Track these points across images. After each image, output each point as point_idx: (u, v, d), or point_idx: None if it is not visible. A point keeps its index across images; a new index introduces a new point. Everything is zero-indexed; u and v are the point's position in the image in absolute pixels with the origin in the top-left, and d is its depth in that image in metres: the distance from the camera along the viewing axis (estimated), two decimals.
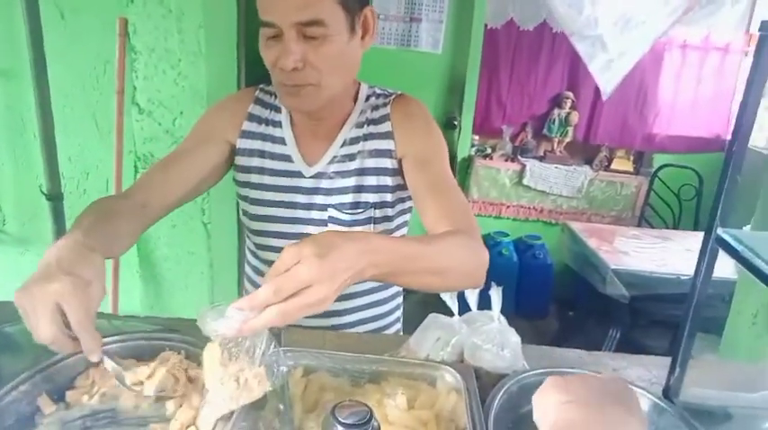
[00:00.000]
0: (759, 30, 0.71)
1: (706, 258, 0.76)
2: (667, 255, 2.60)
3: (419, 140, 1.06)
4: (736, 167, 0.75)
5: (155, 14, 1.80)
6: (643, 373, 1.00)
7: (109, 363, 0.74)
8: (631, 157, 3.57)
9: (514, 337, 0.93)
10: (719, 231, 0.73)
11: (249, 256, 1.23)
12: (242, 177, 1.13)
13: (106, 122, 2.03)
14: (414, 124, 1.07)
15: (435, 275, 0.80)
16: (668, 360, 0.91)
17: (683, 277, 2.39)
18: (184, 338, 0.87)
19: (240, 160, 1.12)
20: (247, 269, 1.25)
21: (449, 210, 0.94)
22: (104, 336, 0.88)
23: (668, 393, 0.86)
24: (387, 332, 1.23)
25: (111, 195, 1.01)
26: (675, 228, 3.27)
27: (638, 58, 0.82)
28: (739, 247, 0.69)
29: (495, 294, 0.96)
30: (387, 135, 1.07)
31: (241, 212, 1.19)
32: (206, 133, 1.11)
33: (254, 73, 2.16)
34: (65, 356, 0.82)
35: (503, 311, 0.95)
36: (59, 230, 2.03)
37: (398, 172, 1.07)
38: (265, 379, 0.69)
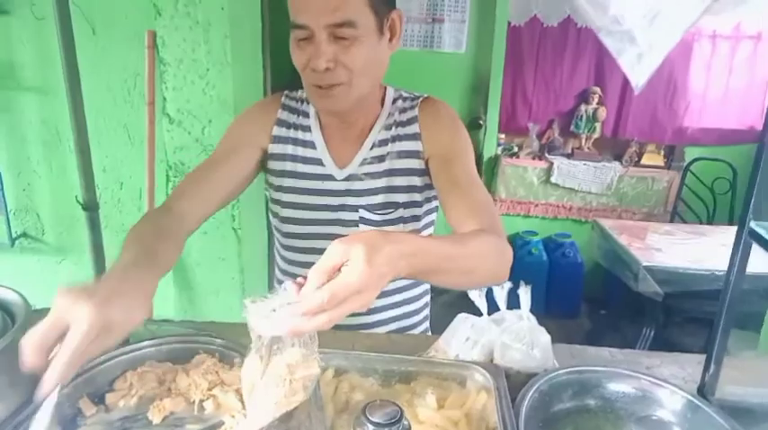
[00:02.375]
0: None
1: (739, 252, 0.75)
2: (702, 250, 2.54)
3: (445, 140, 1.07)
4: None
5: (182, 26, 1.84)
6: (677, 371, 0.99)
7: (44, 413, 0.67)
8: (662, 152, 3.51)
9: (544, 336, 0.93)
10: (753, 224, 0.72)
11: (278, 259, 1.26)
12: (275, 181, 1.16)
13: (138, 133, 2.08)
14: (440, 125, 1.09)
15: (465, 274, 0.80)
16: (702, 357, 0.89)
17: (718, 273, 2.33)
18: (218, 341, 0.89)
19: (273, 164, 1.15)
20: (277, 272, 1.27)
21: (474, 208, 0.95)
22: (141, 340, 0.91)
23: (703, 390, 0.85)
24: (414, 331, 1.24)
25: (154, 210, 1.03)
26: (710, 222, 3.20)
27: (668, 49, 0.81)
28: None
29: (524, 293, 0.96)
30: (415, 137, 1.09)
31: (271, 215, 1.21)
32: (237, 141, 1.13)
33: (280, 80, 2.19)
34: (104, 360, 0.84)
35: (532, 312, 0.95)
36: (96, 240, 2.09)
37: (426, 172, 1.09)
38: (314, 371, 0.69)
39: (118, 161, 2.14)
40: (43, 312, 1.07)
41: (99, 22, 2.04)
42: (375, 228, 1.10)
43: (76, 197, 2.03)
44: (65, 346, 0.61)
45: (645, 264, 2.39)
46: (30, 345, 0.62)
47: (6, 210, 2.22)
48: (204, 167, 1.09)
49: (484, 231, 0.87)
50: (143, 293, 0.72)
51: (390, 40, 1.02)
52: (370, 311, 1.16)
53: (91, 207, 2.03)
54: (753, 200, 0.73)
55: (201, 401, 0.80)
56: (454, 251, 0.78)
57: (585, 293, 3.49)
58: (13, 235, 2.24)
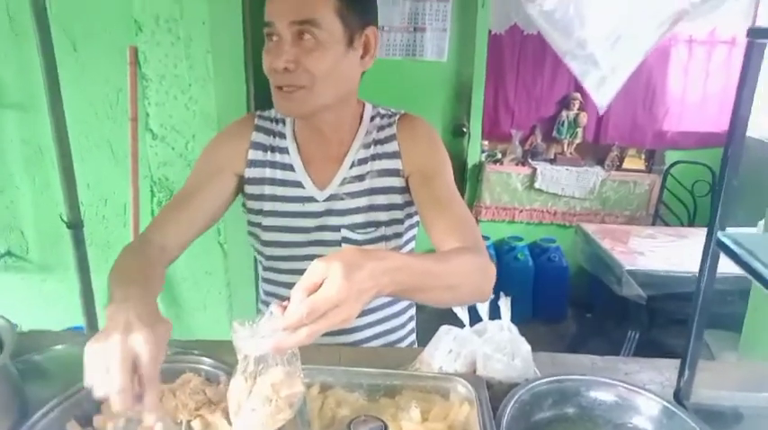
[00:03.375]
0: (747, 36, 0.73)
1: (708, 262, 0.77)
2: (683, 253, 2.58)
3: (424, 157, 1.08)
4: (732, 170, 0.76)
5: (163, 42, 1.85)
6: (655, 376, 1.01)
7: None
8: (643, 156, 3.56)
9: (525, 346, 0.95)
10: (719, 235, 0.74)
11: (263, 282, 1.25)
12: (254, 205, 1.15)
13: (121, 149, 2.08)
14: (418, 142, 1.10)
15: (448, 291, 0.82)
16: (679, 362, 0.92)
17: None
18: (204, 360, 0.90)
19: (250, 189, 1.13)
20: (262, 294, 1.27)
21: (455, 226, 0.96)
22: None
23: (679, 396, 0.87)
24: (401, 345, 1.25)
25: (134, 243, 1.04)
26: (691, 225, 3.25)
27: (630, 71, 0.83)
28: (739, 251, 0.70)
29: (505, 304, 0.98)
30: (394, 155, 1.10)
31: (251, 238, 1.20)
32: (212, 168, 1.12)
33: (262, 94, 2.20)
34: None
35: (519, 315, 0.97)
36: (81, 257, 2.08)
37: (406, 190, 1.10)
38: (298, 389, 0.70)
39: (102, 177, 2.14)
40: (34, 335, 1.08)
41: (79, 37, 2.04)
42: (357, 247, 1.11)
43: (60, 215, 2.03)
44: (147, 374, 0.67)
45: (628, 267, 2.43)
46: (126, 394, 0.66)
47: None
48: (180, 197, 1.09)
49: (466, 248, 0.88)
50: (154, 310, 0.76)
51: (363, 56, 1.03)
52: (355, 329, 1.17)
53: (75, 224, 2.03)
54: (719, 210, 0.76)
55: (189, 421, 0.80)
56: (437, 268, 0.79)
57: (571, 297, 3.53)
58: None
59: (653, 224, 3.36)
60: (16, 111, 2.11)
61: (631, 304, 2.51)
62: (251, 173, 1.13)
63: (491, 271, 0.88)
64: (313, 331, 0.64)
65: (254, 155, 1.13)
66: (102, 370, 0.65)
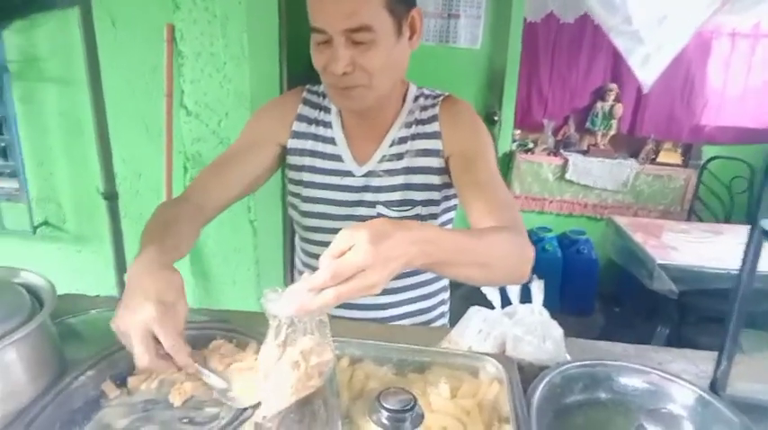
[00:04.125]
0: None
1: (751, 251, 0.75)
2: (718, 249, 2.52)
3: (466, 139, 1.08)
4: None
5: (200, 20, 1.86)
6: (689, 367, 0.99)
7: (207, 376, 0.79)
8: (679, 150, 3.48)
9: (557, 330, 0.94)
10: (764, 223, 0.72)
11: (299, 252, 1.28)
12: (294, 176, 1.17)
13: (156, 125, 2.11)
14: (460, 124, 1.09)
15: (481, 268, 0.81)
16: (714, 354, 0.90)
17: (734, 272, 2.29)
18: (234, 328, 0.92)
19: (292, 159, 1.16)
20: (298, 263, 1.29)
21: (494, 207, 0.95)
22: None
23: (715, 386, 0.85)
24: (432, 326, 1.25)
25: (170, 200, 1.07)
26: (727, 221, 3.17)
27: (677, 50, 0.81)
28: None
29: (537, 287, 0.97)
30: (434, 135, 1.09)
31: (290, 209, 1.23)
32: (257, 135, 1.15)
33: (296, 74, 2.21)
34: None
35: (546, 307, 0.96)
36: (115, 228, 2.13)
37: (445, 170, 1.10)
38: (327, 357, 0.71)
39: (136, 152, 2.17)
40: (70, 298, 1.11)
41: (119, 15, 2.06)
42: None
43: (97, 187, 2.07)
44: (167, 346, 0.74)
45: (660, 261, 2.38)
46: (157, 366, 0.76)
47: (29, 199, 2.27)
48: (222, 160, 1.12)
49: (504, 228, 0.87)
50: (172, 272, 0.81)
51: (410, 37, 1.02)
52: (386, 306, 1.18)
53: (111, 196, 2.07)
54: (764, 198, 0.74)
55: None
56: (469, 243, 0.78)
57: (600, 290, 3.49)
58: (35, 223, 2.28)
59: (688, 219, 3.30)
60: (57, 85, 2.15)
61: (661, 299, 2.46)
62: (294, 143, 1.15)
63: (529, 252, 0.87)
64: (338, 294, 0.64)
65: (299, 126, 1.15)
66: (130, 347, 0.74)
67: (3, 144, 2.18)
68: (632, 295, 3.07)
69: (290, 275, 2.30)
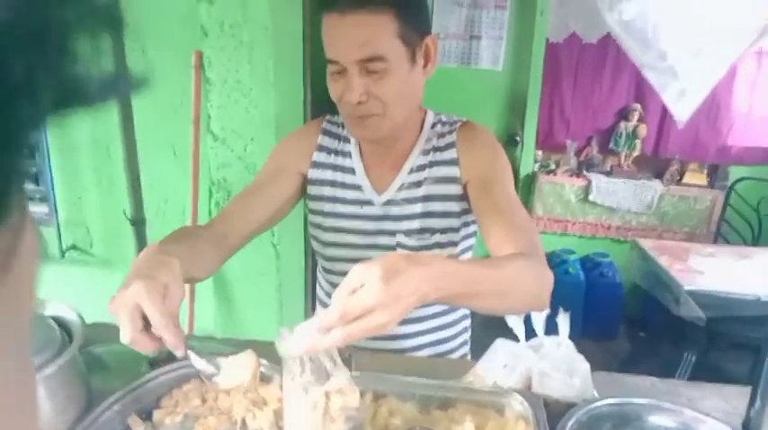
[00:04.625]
0: None
1: None
2: (746, 273, 2.47)
3: (483, 164, 1.08)
4: None
5: (227, 47, 1.90)
6: (720, 404, 0.97)
7: (196, 360, 0.77)
8: (705, 170, 3.43)
9: (583, 364, 0.92)
10: None
11: (321, 280, 1.28)
12: (314, 206, 1.18)
13: (183, 150, 2.15)
14: (478, 149, 1.10)
15: (499, 298, 0.80)
16: (747, 389, 0.87)
17: (764, 298, 2.27)
18: (260, 361, 0.92)
19: (312, 189, 1.17)
20: (319, 292, 1.30)
21: (512, 232, 0.94)
22: (184, 358, 0.94)
23: (748, 426, 0.83)
24: (453, 355, 1.24)
25: (193, 225, 1.09)
26: (755, 244, 3.11)
27: (712, 85, 0.81)
28: None
29: (563, 319, 0.96)
30: (452, 162, 1.10)
31: (312, 239, 1.24)
32: (278, 167, 1.17)
33: (321, 99, 2.23)
34: (151, 377, 0.88)
35: (571, 337, 0.95)
36: None
37: (464, 197, 1.10)
38: (353, 402, 0.70)
39: (163, 177, 2.21)
40: (96, 327, 1.12)
41: (149, 42, 2.11)
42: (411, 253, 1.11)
43: (124, 211, 2.11)
44: (154, 322, 0.70)
45: (686, 287, 2.34)
46: (140, 342, 0.71)
47: (58, 223, 2.32)
48: (247, 191, 1.14)
49: (521, 254, 0.86)
50: (171, 258, 0.78)
51: (425, 65, 1.03)
52: (407, 336, 1.17)
53: (138, 222, 2.10)
54: None
55: (244, 419, 0.82)
56: (485, 274, 0.77)
57: (625, 315, 3.42)
58: (64, 247, 2.33)
59: (714, 242, 3.23)
60: (87, 111, 2.21)
61: (689, 325, 2.41)
62: (314, 173, 1.16)
63: (548, 278, 0.86)
64: (348, 333, 0.64)
65: (319, 157, 1.17)
66: (118, 323, 0.71)
67: (34, 169, 2.24)
68: (659, 320, 3.01)
69: (311, 303, 2.31)
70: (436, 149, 1.11)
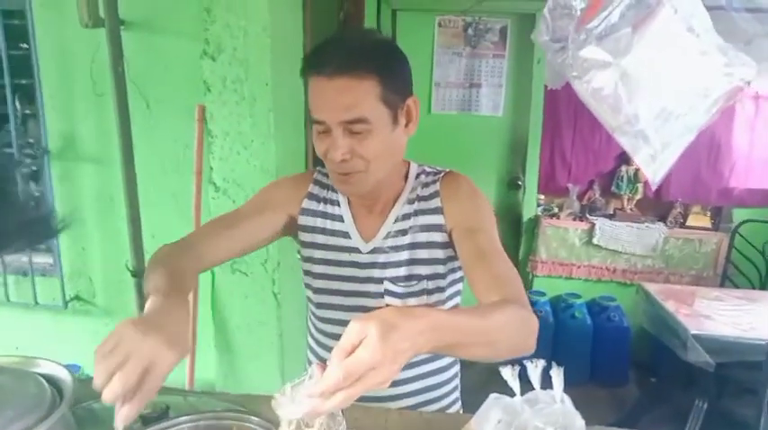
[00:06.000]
0: None
1: None
2: (754, 318, 2.43)
3: (467, 211, 1.10)
4: None
5: (229, 101, 1.95)
6: None
7: None
8: (708, 213, 3.42)
9: (579, 421, 0.91)
10: None
11: (311, 328, 1.28)
12: (306, 253, 1.21)
13: (185, 201, 2.18)
14: (461, 198, 1.12)
15: (487, 346, 0.81)
16: None
17: None
18: (252, 418, 0.91)
19: (304, 236, 1.20)
20: (310, 341, 1.30)
21: (497, 279, 0.96)
22: (180, 415, 0.94)
23: None
24: (443, 402, 1.23)
25: (173, 245, 1.10)
26: (762, 288, 3.07)
27: (681, 148, 0.82)
28: None
29: (557, 375, 0.94)
30: (436, 210, 1.12)
31: (305, 286, 1.25)
32: (267, 203, 1.19)
33: None
34: None
35: (576, 378, 0.94)
36: (142, 305, 2.15)
37: (449, 244, 1.11)
38: None
39: (166, 227, 2.23)
40: (89, 381, 1.12)
41: (153, 97, 2.18)
42: (399, 300, 1.13)
43: (126, 263, 2.13)
44: (152, 387, 0.71)
45: (693, 331, 2.30)
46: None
47: (61, 273, 2.34)
48: (229, 216, 1.16)
49: (507, 302, 0.88)
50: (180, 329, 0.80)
51: (407, 124, 1.07)
52: (397, 383, 1.17)
53: (139, 273, 2.12)
54: None
55: None
56: (476, 324, 0.79)
57: (634, 359, 3.37)
58: (67, 297, 2.34)
59: (721, 285, 3.20)
60: (93, 164, 2.26)
61: (698, 370, 2.36)
62: (304, 220, 1.19)
63: (533, 324, 0.88)
64: (349, 395, 0.64)
65: (309, 204, 1.19)
66: (119, 359, 0.71)
67: None
68: (668, 365, 2.96)
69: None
70: (421, 199, 1.14)
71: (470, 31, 3.48)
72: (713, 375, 2.37)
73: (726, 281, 3.22)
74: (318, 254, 1.18)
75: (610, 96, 0.81)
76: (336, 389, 0.64)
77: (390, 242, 1.14)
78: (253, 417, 0.92)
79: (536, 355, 0.93)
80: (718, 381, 2.48)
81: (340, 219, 1.18)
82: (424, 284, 1.13)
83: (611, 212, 3.49)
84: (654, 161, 0.83)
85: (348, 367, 0.64)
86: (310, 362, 1.29)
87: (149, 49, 2.15)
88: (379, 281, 1.14)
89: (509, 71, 3.50)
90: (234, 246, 1.12)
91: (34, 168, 2.30)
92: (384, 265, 1.14)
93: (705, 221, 3.40)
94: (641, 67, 0.80)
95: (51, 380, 0.85)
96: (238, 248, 1.13)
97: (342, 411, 0.74)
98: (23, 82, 2.27)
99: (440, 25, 3.50)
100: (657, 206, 3.47)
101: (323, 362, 0.70)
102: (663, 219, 3.43)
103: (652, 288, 2.77)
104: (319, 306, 1.21)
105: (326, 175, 1.21)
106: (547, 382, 0.98)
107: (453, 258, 1.12)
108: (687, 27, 0.77)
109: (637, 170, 3.38)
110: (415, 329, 0.68)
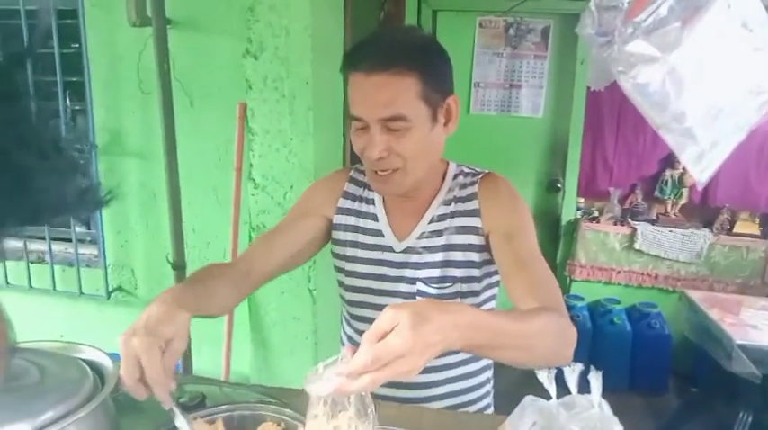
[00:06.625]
0: None
1: None
2: None
3: (505, 216, 1.08)
4: None
5: (270, 99, 1.97)
6: None
7: (179, 418, 0.81)
8: (757, 220, 3.30)
9: (617, 427, 0.88)
10: None
11: (344, 325, 1.29)
12: (338, 250, 1.21)
13: (225, 196, 2.22)
14: (500, 201, 1.10)
15: (522, 351, 0.81)
16: None
17: None
18: (285, 411, 0.92)
19: (337, 234, 1.20)
20: (343, 337, 1.30)
21: (535, 286, 0.95)
22: (216, 405, 0.96)
23: None
24: (476, 405, 1.22)
25: (219, 263, 1.12)
26: None
27: (732, 147, 0.79)
28: None
29: (595, 379, 0.92)
30: (473, 212, 1.11)
31: (338, 284, 1.26)
32: (306, 209, 1.21)
33: None
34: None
35: (614, 385, 0.92)
36: None
37: (485, 248, 1.10)
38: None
39: (206, 222, 2.28)
40: None
41: (196, 95, 2.23)
42: None
43: (167, 256, 2.18)
44: (148, 377, 0.77)
45: (738, 341, 2.22)
46: (136, 390, 0.79)
47: (105, 265, 2.41)
48: (273, 231, 1.18)
49: (545, 309, 0.86)
50: (180, 311, 0.83)
51: (446, 123, 1.06)
52: (430, 385, 1.16)
53: (179, 266, 2.17)
54: None
55: None
56: (512, 327, 0.78)
57: (674, 368, 3.27)
58: (110, 288, 2.41)
59: None
60: (137, 159, 2.32)
61: (743, 381, 2.28)
62: (339, 219, 1.19)
63: (571, 334, 0.86)
64: (375, 379, 0.65)
65: (344, 203, 1.20)
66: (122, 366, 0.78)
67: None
68: (710, 375, 2.86)
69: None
70: (458, 200, 1.13)
71: (511, 31, 3.44)
72: (759, 387, 2.28)
73: None
74: (351, 251, 1.18)
75: (656, 92, 0.78)
76: (364, 371, 0.65)
77: (424, 242, 1.13)
78: (286, 409, 0.93)
79: (573, 360, 0.91)
80: (764, 394, 2.38)
81: (374, 217, 1.18)
82: (458, 287, 1.12)
83: (654, 217, 3.40)
84: (701, 160, 0.80)
85: (377, 351, 0.64)
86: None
87: (194, 48, 2.20)
88: (412, 281, 1.13)
89: (550, 72, 3.44)
90: (281, 257, 1.13)
91: (82, 162, 2.37)
92: (417, 266, 1.13)
93: (753, 228, 3.28)
94: (690, 62, 0.77)
95: (94, 366, 0.87)
96: (282, 259, 1.13)
97: (372, 395, 0.75)
98: (74, 79, 2.35)
99: (480, 26, 3.47)
100: (703, 211, 3.37)
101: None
102: (708, 224, 3.32)
103: (696, 295, 2.68)
104: (351, 304, 1.21)
105: (363, 173, 1.22)
106: (583, 387, 0.96)
107: (489, 262, 1.11)
108: (741, 22, 0.74)
109: (682, 174, 3.28)
110: (448, 324, 0.68)
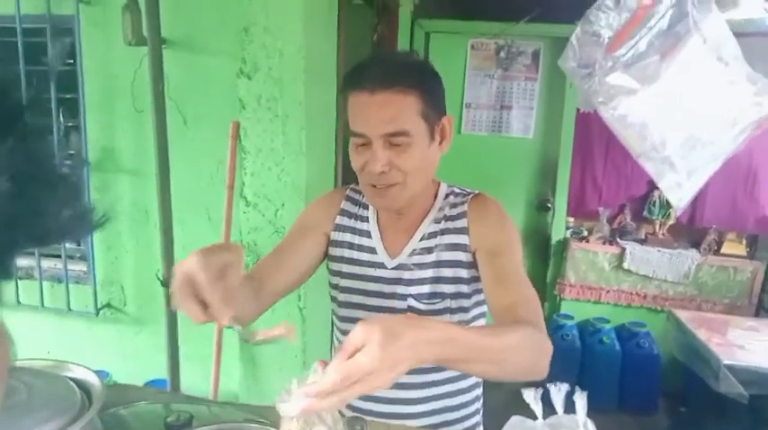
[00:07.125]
0: None
1: None
2: None
3: (492, 234, 1.11)
4: None
5: (263, 119, 2.00)
6: None
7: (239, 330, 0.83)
8: (744, 241, 3.34)
9: None
10: None
11: (335, 341, 1.32)
12: (334, 266, 1.23)
13: (216, 214, 2.23)
14: (487, 220, 1.13)
15: (495, 365, 0.81)
16: None
17: None
18: (269, 428, 0.93)
19: (333, 251, 1.23)
20: (332, 354, 1.31)
21: (515, 302, 0.97)
22: (203, 424, 0.96)
23: None
24: (466, 423, 1.23)
25: None
26: None
27: (707, 176, 0.81)
28: None
29: (580, 399, 0.93)
30: (462, 230, 1.14)
31: (330, 299, 1.28)
32: (307, 227, 1.24)
33: (350, 169, 2.31)
34: None
35: (603, 404, 0.93)
36: (171, 315, 2.20)
37: (473, 265, 1.12)
38: None
39: (197, 240, 2.28)
40: (120, 388, 1.15)
41: (190, 113, 2.25)
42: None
43: (157, 273, 2.18)
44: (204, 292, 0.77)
45: (726, 362, 2.24)
46: (190, 310, 0.80)
47: (95, 282, 2.40)
48: (279, 249, 1.19)
49: (522, 323, 0.88)
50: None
51: (440, 143, 1.10)
52: (419, 401, 1.17)
53: (169, 284, 2.16)
54: None
55: None
56: (485, 342, 0.78)
57: (663, 388, 3.28)
58: (99, 305, 2.40)
59: (756, 315, 3.11)
60: (130, 176, 2.33)
61: (731, 402, 2.29)
62: (336, 235, 1.22)
63: (546, 348, 0.87)
64: (343, 397, 0.65)
65: (341, 220, 1.23)
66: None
67: None
68: (699, 395, 2.87)
69: None
70: (448, 218, 1.16)
71: (503, 54, 3.49)
72: (746, 407, 2.30)
73: (761, 311, 3.13)
74: (345, 268, 1.21)
75: (636, 123, 0.81)
76: (333, 390, 0.65)
77: (416, 259, 1.16)
78: (271, 428, 0.93)
79: (562, 379, 0.92)
80: (752, 414, 2.40)
81: (368, 234, 1.20)
82: (448, 303, 1.14)
83: (643, 237, 3.43)
84: (679, 188, 0.83)
85: (346, 370, 0.64)
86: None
87: (189, 67, 2.22)
88: (403, 297, 1.15)
89: (540, 94, 3.49)
90: (289, 276, 1.15)
91: (77, 184, 2.38)
92: (409, 282, 1.15)
93: (740, 249, 3.31)
94: (668, 94, 0.80)
95: (81, 385, 0.87)
96: (295, 277, 1.16)
97: (339, 412, 0.76)
98: (68, 96, 2.36)
99: (472, 48, 3.52)
100: (691, 232, 3.40)
101: None
102: (696, 245, 3.36)
103: (683, 315, 2.71)
104: (343, 319, 1.23)
105: (358, 192, 1.25)
106: (570, 407, 0.97)
107: (477, 279, 1.13)
108: (716, 56, 0.77)
109: None
110: (419, 339, 0.68)
